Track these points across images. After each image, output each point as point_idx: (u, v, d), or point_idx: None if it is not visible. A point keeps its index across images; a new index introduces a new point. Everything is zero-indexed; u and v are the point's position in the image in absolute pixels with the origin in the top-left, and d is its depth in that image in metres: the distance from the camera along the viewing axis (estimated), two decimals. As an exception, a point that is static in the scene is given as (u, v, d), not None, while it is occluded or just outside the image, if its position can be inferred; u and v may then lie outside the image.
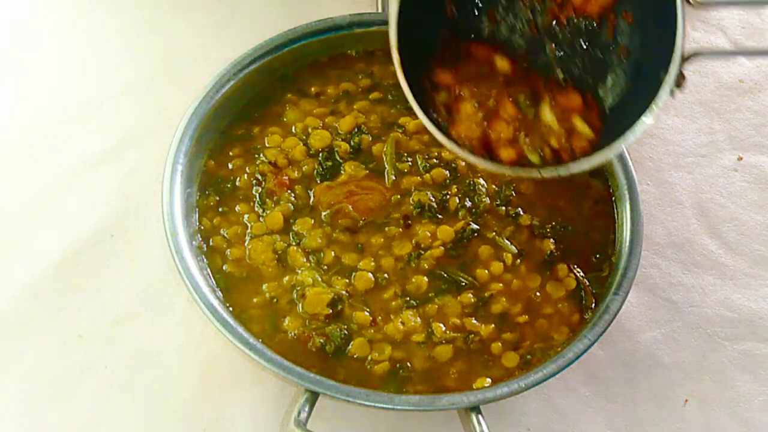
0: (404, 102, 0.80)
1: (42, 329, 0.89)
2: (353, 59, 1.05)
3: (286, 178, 0.93)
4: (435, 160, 0.96)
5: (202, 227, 0.89)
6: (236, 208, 0.91)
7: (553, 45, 0.82)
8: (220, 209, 0.91)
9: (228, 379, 0.88)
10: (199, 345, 0.89)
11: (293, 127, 0.98)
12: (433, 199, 0.92)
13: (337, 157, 0.95)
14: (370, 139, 0.97)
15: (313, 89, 1.02)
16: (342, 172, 0.94)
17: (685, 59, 0.72)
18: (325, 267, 0.87)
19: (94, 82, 1.12)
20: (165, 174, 0.88)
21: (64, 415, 0.84)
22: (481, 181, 0.94)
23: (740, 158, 1.14)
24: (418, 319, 0.84)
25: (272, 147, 0.96)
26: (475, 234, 0.90)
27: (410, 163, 0.96)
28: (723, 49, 0.77)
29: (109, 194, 1.00)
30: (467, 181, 0.94)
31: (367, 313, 0.84)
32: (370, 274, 0.86)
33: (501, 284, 0.87)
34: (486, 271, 0.88)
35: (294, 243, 0.89)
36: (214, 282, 0.85)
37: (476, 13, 0.83)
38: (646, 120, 0.74)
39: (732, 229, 1.06)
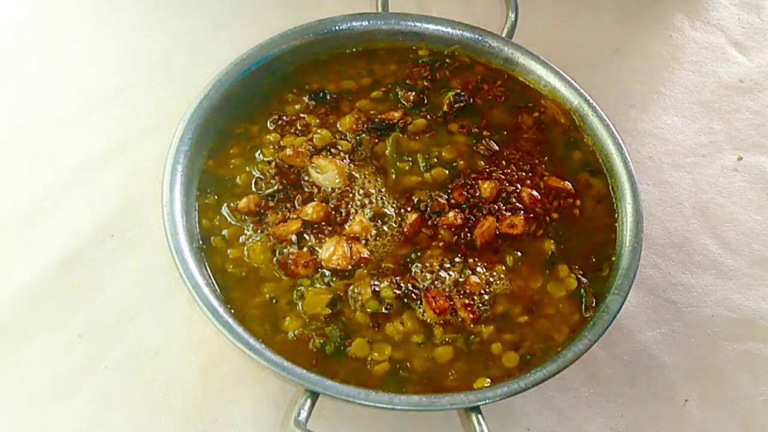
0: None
1: (42, 329, 0.89)
2: (353, 58, 1.05)
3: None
4: (435, 160, 0.96)
5: (202, 227, 0.89)
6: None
7: None
8: (220, 209, 0.91)
9: (228, 379, 0.88)
10: (199, 345, 0.89)
11: (293, 127, 0.98)
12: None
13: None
14: (370, 138, 0.97)
15: (313, 88, 1.02)
16: None
17: None
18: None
19: (94, 82, 1.12)
20: (165, 174, 0.87)
21: (64, 415, 0.84)
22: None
23: (740, 158, 1.14)
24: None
25: (272, 146, 0.96)
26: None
27: (410, 163, 0.96)
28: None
29: (109, 194, 1.00)
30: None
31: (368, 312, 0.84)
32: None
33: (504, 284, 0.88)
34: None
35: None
36: (214, 282, 0.85)
37: None
38: None
39: (732, 229, 1.06)
